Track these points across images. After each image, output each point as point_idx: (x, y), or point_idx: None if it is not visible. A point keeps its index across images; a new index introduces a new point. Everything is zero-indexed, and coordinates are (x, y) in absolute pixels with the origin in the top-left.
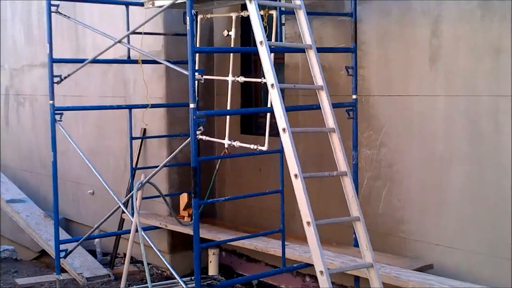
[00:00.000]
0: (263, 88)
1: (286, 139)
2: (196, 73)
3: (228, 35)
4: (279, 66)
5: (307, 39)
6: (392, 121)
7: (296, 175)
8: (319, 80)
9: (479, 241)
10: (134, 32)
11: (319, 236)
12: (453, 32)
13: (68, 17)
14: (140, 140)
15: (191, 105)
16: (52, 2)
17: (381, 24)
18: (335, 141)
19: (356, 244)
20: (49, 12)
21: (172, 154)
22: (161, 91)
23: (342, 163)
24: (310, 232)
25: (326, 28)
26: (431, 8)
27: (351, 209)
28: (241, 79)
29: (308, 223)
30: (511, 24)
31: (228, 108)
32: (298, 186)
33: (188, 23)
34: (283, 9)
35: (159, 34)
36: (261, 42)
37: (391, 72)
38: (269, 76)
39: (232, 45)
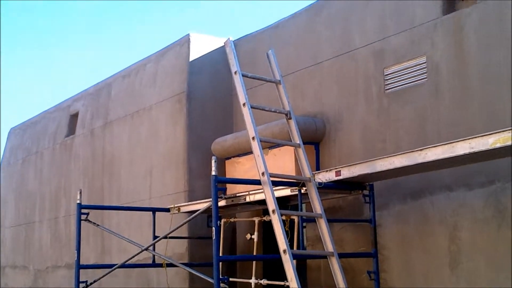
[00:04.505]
0: None
1: None
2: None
3: (251, 238)
4: (301, 267)
5: (329, 247)
6: None
7: None
8: (342, 286)
9: None
10: (160, 238)
11: None
12: (471, 240)
13: (97, 225)
14: None
15: None
16: (83, 211)
17: (401, 230)
18: None
19: None
20: (79, 220)
21: None
22: None
23: None
24: None
25: (346, 231)
26: (448, 217)
27: None
28: (264, 281)
29: None
30: None
31: None
32: None
33: (214, 233)
34: (304, 217)
35: (184, 238)
36: (284, 251)
37: (413, 277)
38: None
39: (254, 249)
